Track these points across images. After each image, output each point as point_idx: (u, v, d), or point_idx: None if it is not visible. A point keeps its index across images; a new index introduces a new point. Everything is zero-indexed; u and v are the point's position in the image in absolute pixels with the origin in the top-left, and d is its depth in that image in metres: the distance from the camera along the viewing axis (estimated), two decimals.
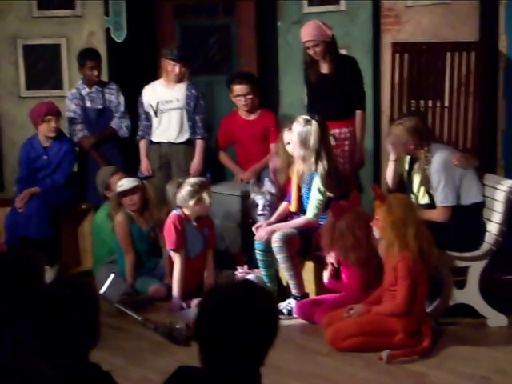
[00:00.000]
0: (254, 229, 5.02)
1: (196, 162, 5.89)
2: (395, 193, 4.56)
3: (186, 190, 5.06)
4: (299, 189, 5.06)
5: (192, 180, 5.13)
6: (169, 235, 5.05)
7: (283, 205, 5.20)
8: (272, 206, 5.34)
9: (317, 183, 4.90)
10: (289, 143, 5.14)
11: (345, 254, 4.60)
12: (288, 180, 5.21)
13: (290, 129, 5.08)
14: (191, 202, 5.05)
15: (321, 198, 4.90)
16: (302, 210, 5.05)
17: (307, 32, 5.48)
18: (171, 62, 5.81)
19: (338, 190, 4.98)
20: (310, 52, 5.50)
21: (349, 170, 5.56)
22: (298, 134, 4.92)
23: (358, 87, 5.58)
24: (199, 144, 5.91)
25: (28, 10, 6.80)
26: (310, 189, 4.95)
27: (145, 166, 5.98)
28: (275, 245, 4.79)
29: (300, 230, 4.91)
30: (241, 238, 5.72)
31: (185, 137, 5.90)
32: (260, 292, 2.09)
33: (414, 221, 4.24)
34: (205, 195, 5.07)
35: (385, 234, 4.28)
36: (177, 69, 5.81)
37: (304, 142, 4.90)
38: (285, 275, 4.97)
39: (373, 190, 4.52)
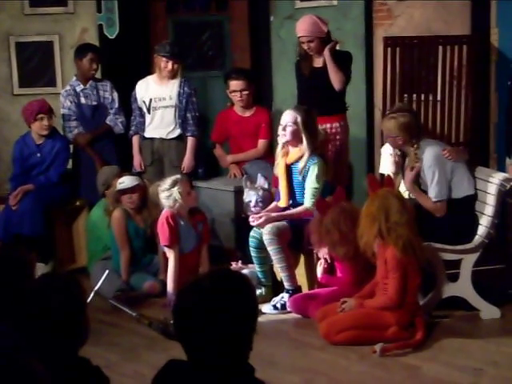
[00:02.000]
0: (250, 219, 5.00)
1: (187, 159, 5.92)
2: (388, 188, 4.54)
3: (161, 196, 5.10)
4: (288, 182, 5.05)
5: (162, 186, 5.12)
6: (162, 232, 5.07)
7: (273, 204, 5.17)
8: (265, 202, 5.35)
9: (315, 171, 4.91)
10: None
11: (333, 249, 4.62)
12: (275, 177, 5.21)
13: None
14: (170, 204, 5.08)
15: (317, 185, 4.92)
16: (293, 203, 5.05)
17: (302, 27, 5.48)
18: (164, 59, 5.82)
19: (330, 175, 5.06)
20: (305, 47, 5.51)
21: (339, 164, 5.57)
22: (290, 119, 4.94)
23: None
24: (190, 141, 5.93)
25: (20, 7, 6.78)
26: (304, 178, 4.96)
27: (137, 161, 5.99)
28: (266, 237, 4.81)
29: (291, 223, 4.93)
30: (235, 234, 5.74)
31: (177, 132, 5.92)
32: (234, 280, 2.09)
33: (393, 218, 4.21)
34: (176, 194, 5.05)
35: (360, 224, 4.31)
36: (169, 65, 5.82)
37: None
38: (277, 268, 4.98)
39: (368, 179, 4.54)
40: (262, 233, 4.85)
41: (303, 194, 5.00)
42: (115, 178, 5.57)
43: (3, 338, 2.50)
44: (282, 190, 5.09)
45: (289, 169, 5.06)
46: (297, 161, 5.02)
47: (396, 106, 5.23)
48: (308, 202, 4.95)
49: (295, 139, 4.98)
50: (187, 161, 5.92)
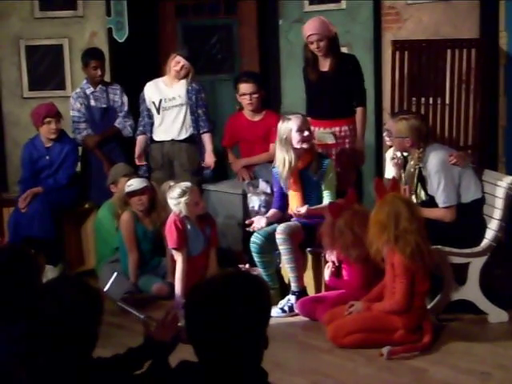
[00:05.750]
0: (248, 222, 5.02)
1: (208, 155, 5.93)
2: (396, 193, 4.53)
3: (169, 202, 5.15)
4: (301, 186, 5.04)
5: (171, 193, 5.15)
6: (170, 234, 5.10)
7: (271, 211, 5.13)
8: (267, 207, 5.36)
9: (332, 169, 5.02)
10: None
11: (345, 251, 4.61)
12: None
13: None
14: (177, 212, 5.12)
15: (335, 182, 5.02)
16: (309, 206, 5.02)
17: (313, 26, 5.44)
18: (177, 58, 5.85)
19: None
20: (313, 47, 5.45)
21: (349, 167, 5.57)
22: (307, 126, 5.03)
23: (359, 84, 5.59)
24: (207, 137, 5.94)
25: (30, 10, 6.84)
26: (319, 178, 4.99)
27: (137, 154, 5.97)
28: (279, 236, 4.81)
29: (304, 223, 4.92)
30: (242, 237, 5.75)
31: (187, 133, 5.93)
32: (247, 279, 2.07)
33: (403, 224, 4.18)
34: (182, 205, 5.09)
35: (370, 231, 4.31)
36: (179, 65, 5.85)
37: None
38: (286, 267, 4.97)
39: (375, 183, 4.53)
40: (275, 232, 4.85)
41: (318, 194, 5.01)
42: (123, 176, 5.61)
43: (14, 344, 2.51)
44: (296, 196, 5.04)
45: (300, 173, 5.03)
46: (308, 164, 5.02)
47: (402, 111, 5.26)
48: (330, 198, 4.95)
49: None
50: (208, 157, 5.94)
